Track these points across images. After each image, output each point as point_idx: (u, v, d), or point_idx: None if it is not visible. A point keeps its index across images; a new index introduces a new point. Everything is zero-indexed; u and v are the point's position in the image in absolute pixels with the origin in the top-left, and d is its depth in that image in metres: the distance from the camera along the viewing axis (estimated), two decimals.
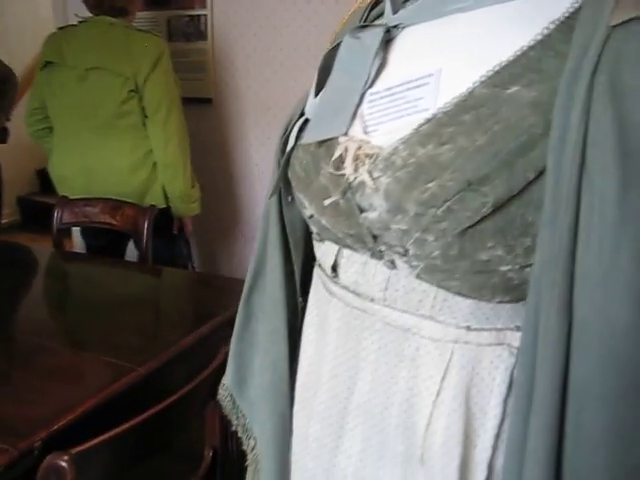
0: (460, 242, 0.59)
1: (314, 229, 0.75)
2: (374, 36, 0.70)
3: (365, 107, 0.69)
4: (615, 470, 0.55)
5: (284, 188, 0.80)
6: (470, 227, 0.59)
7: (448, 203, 0.59)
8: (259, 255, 0.87)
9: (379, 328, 0.68)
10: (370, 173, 0.64)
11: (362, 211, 0.65)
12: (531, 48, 0.61)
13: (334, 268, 0.72)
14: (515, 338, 0.65)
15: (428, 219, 0.60)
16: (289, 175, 0.76)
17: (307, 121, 0.74)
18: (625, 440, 0.55)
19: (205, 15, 2.79)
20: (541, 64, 0.60)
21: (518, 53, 0.61)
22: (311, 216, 0.74)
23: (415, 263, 0.63)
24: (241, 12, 2.74)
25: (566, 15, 0.61)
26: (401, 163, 0.62)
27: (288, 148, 0.75)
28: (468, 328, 0.65)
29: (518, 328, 0.65)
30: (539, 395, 0.57)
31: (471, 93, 0.61)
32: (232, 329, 1.76)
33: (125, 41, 2.41)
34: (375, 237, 0.65)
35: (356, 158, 0.66)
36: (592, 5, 0.60)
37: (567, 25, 0.61)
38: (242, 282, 0.92)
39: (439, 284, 0.63)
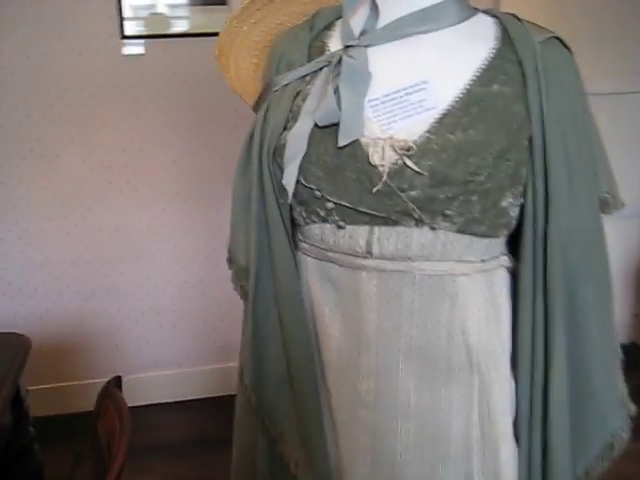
0: (493, 196, 0.84)
1: (336, 218, 0.88)
2: (362, 55, 0.88)
3: (369, 112, 0.87)
4: None
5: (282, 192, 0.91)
6: (500, 183, 0.83)
7: (489, 170, 0.82)
8: (258, 258, 0.94)
9: (419, 280, 0.88)
10: (411, 160, 0.83)
11: (403, 191, 0.83)
12: (493, 58, 0.88)
13: (367, 246, 0.88)
14: (506, 260, 0.92)
15: (475, 185, 0.82)
16: (301, 179, 0.88)
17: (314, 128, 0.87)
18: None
19: None
20: (505, 69, 0.87)
21: (486, 62, 0.87)
22: (333, 208, 0.87)
23: (457, 220, 0.84)
24: None
25: (500, 33, 0.90)
26: (439, 148, 0.83)
27: (296, 154, 0.87)
28: (484, 261, 0.90)
29: (504, 253, 0.92)
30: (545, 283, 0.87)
31: (469, 91, 0.85)
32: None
33: None
34: (421, 208, 0.84)
35: (391, 151, 0.84)
36: (515, 27, 0.90)
37: (506, 41, 0.89)
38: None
39: (472, 232, 0.86)
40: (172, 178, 2.78)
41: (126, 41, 2.61)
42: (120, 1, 2.55)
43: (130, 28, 2.60)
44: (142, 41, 2.64)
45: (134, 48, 2.64)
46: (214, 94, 2.73)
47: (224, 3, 2.65)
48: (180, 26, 2.68)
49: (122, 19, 2.57)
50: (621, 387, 0.94)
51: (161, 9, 2.66)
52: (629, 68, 2.96)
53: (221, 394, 2.97)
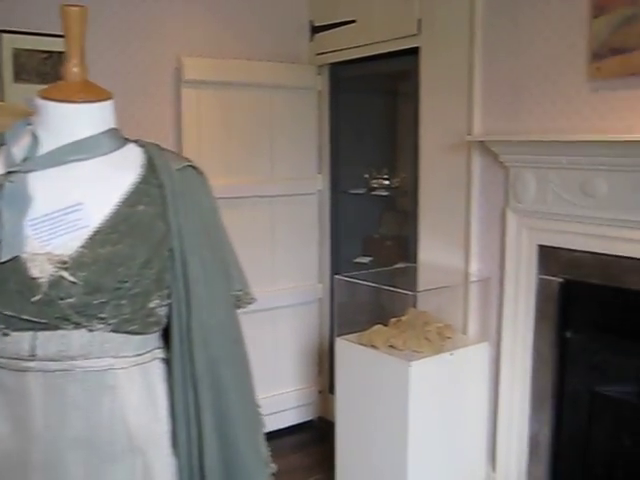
0: (141, 300, 0.99)
1: (2, 326, 0.95)
2: (22, 180, 0.99)
3: (29, 230, 0.98)
4: None
5: None
6: (146, 288, 0.99)
7: (135, 277, 0.98)
8: None
9: (80, 376, 0.98)
10: (67, 272, 0.95)
11: (61, 299, 0.95)
12: (139, 182, 1.05)
13: (31, 349, 0.97)
14: (160, 352, 1.08)
15: (124, 291, 0.97)
16: None
17: None
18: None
19: None
20: (149, 192, 1.05)
21: (133, 186, 1.04)
22: None
23: (111, 321, 0.98)
24: None
25: (146, 162, 1.08)
26: (90, 261, 0.97)
27: None
28: (139, 354, 1.04)
29: (159, 347, 1.08)
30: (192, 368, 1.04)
31: (117, 211, 1.01)
32: None
33: None
34: (78, 313, 0.96)
35: (48, 265, 0.95)
36: (158, 156, 1.09)
37: (150, 167, 1.07)
38: None
39: (125, 330, 1.00)
40: None
41: None
42: None
43: None
44: None
45: None
46: None
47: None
48: None
49: None
50: (264, 450, 1.14)
51: None
52: (296, 175, 3.46)
53: None
